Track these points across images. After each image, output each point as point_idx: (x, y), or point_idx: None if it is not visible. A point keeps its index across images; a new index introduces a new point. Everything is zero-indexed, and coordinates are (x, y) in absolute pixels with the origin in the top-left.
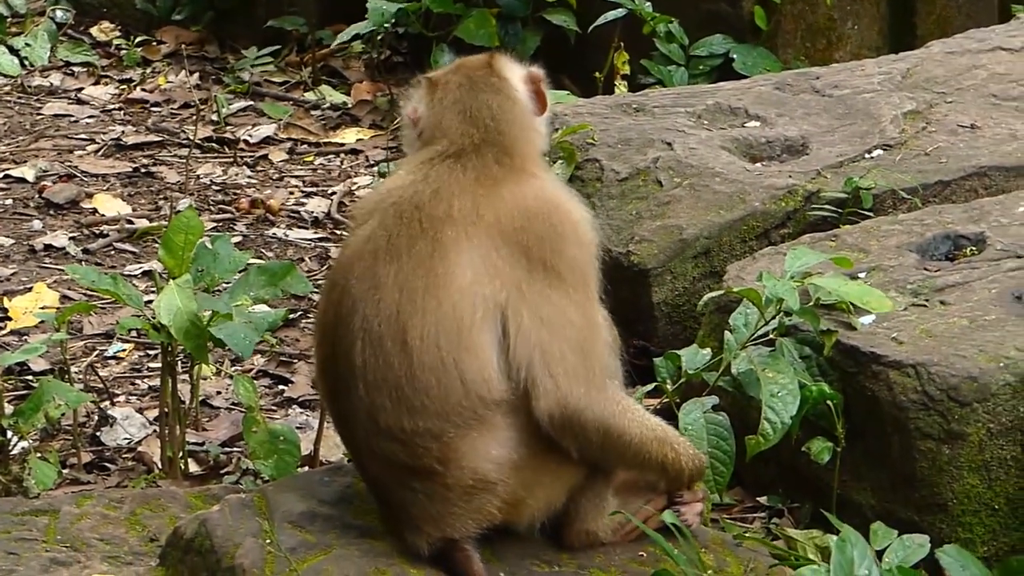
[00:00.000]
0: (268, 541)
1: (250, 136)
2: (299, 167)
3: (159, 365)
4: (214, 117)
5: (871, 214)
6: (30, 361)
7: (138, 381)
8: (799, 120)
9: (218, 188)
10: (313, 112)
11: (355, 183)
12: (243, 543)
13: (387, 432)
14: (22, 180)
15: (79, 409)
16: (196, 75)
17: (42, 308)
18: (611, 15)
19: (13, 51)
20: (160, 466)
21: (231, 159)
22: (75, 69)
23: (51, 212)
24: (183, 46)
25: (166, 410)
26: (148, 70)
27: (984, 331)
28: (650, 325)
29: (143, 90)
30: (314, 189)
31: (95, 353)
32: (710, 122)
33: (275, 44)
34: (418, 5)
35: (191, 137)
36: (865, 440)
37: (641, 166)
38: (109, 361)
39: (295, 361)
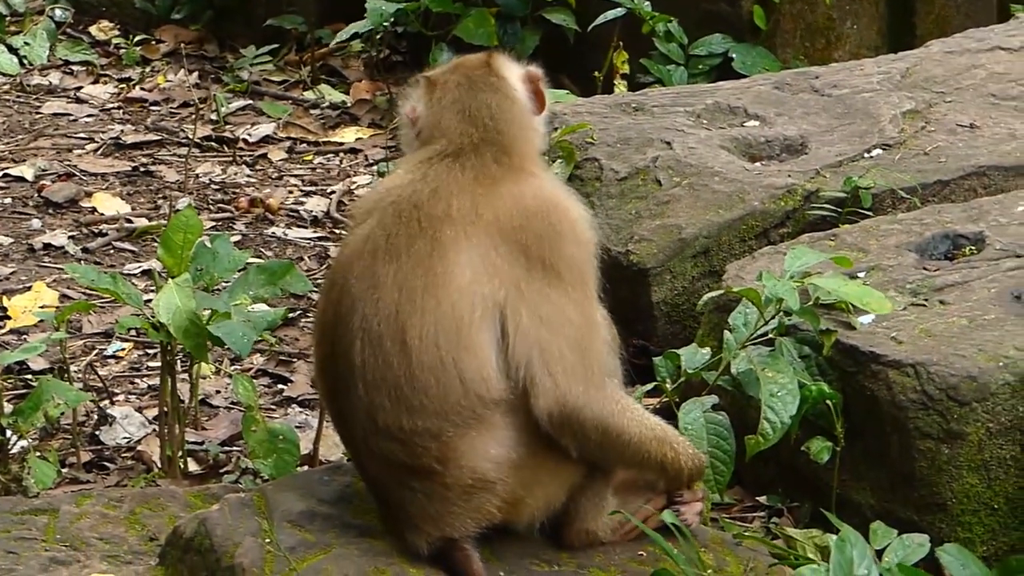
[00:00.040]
0: (267, 540)
1: (249, 135)
2: (298, 166)
3: (158, 364)
4: (213, 116)
5: (870, 213)
6: (29, 360)
7: (137, 380)
8: (798, 119)
9: (217, 187)
10: (312, 111)
11: (354, 182)
12: (242, 542)
13: (386, 431)
14: (21, 179)
15: (78, 408)
16: (195, 74)
17: (41, 307)
18: (610, 14)
19: (12, 50)
20: (159, 465)
21: (230, 158)
22: (74, 68)
23: (50, 211)
24: (182, 45)
25: (165, 409)
26: (147, 69)
27: (983, 330)
28: (649, 324)
29: (142, 89)
30: (313, 188)
31: (94, 352)
32: (709, 121)
33: (274, 43)
34: (417, 4)
35: (190, 136)
36: (864, 440)
37: (640, 165)
38: (108, 360)
39: (294, 360)
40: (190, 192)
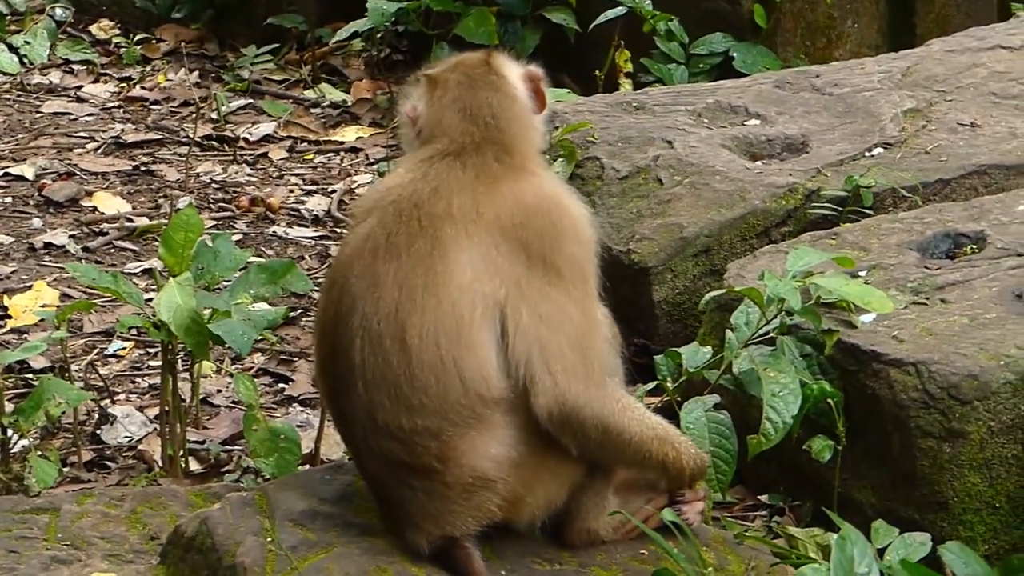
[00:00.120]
0: (269, 539)
1: (250, 134)
2: (299, 165)
3: (159, 363)
4: (214, 115)
5: (871, 212)
6: (30, 359)
7: (138, 379)
8: (799, 118)
9: (218, 186)
10: (313, 110)
11: (355, 181)
12: (244, 541)
13: (386, 430)
14: (22, 178)
15: (79, 407)
16: (196, 73)
17: (42, 306)
18: (611, 13)
19: (12, 49)
20: (161, 464)
21: (231, 157)
22: (74, 67)
23: (51, 210)
24: (182, 44)
25: (166, 408)
26: (147, 68)
27: (984, 329)
28: (651, 323)
29: (143, 88)
30: (314, 187)
31: (95, 351)
32: (710, 120)
33: (275, 42)
34: (418, 3)
35: (191, 135)
36: (866, 438)
37: (641, 164)
38: (109, 359)
39: (295, 359)
40: (191, 191)
